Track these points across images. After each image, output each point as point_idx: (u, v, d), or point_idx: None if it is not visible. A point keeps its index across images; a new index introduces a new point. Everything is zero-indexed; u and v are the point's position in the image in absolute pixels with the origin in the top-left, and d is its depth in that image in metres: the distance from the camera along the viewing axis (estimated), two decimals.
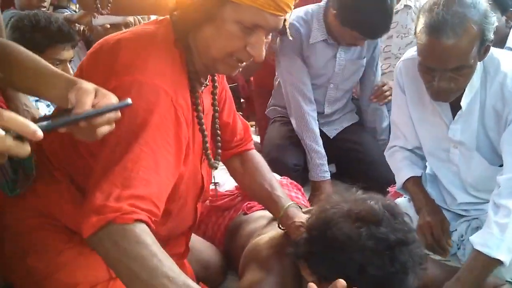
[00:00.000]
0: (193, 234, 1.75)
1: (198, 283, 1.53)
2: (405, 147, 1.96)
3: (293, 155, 2.52)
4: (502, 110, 1.61)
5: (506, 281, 1.65)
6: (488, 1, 1.58)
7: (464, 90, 1.63)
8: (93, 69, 1.19)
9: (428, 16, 1.50)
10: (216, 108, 1.39)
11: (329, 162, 2.54)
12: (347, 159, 2.63)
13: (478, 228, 1.80)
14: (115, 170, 1.01)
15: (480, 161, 1.73)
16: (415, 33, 1.58)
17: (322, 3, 2.46)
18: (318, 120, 2.58)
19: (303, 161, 2.55)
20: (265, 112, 2.90)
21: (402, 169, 1.93)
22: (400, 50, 2.76)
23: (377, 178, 2.38)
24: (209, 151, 1.34)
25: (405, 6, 2.73)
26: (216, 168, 1.41)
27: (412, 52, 1.83)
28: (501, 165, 1.65)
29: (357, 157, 2.58)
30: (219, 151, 1.42)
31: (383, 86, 2.61)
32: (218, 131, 1.41)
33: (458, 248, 1.88)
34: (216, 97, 1.37)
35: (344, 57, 2.51)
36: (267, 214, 1.72)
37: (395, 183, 2.00)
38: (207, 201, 1.92)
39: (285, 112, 2.67)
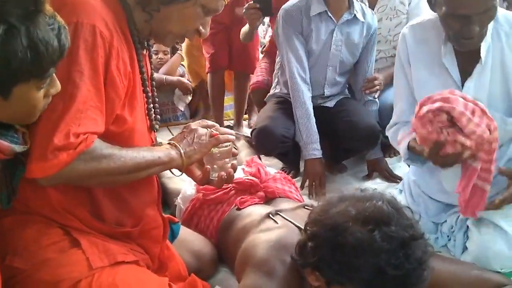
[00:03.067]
0: (183, 227, 1.78)
1: (189, 274, 1.55)
2: (404, 120, 1.94)
3: (282, 126, 2.54)
4: None
5: (497, 271, 1.67)
6: None
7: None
8: None
9: None
10: (152, 72, 1.46)
11: (325, 135, 2.59)
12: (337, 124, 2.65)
13: (467, 219, 1.82)
14: (70, 112, 1.12)
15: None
16: None
17: None
18: (317, 101, 2.66)
19: (292, 136, 2.57)
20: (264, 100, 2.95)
21: (404, 138, 1.90)
22: (390, 32, 2.82)
23: (364, 137, 2.51)
24: (152, 112, 1.41)
25: None
26: (156, 130, 1.46)
27: (415, 21, 1.92)
28: None
29: (344, 119, 2.61)
30: (158, 116, 1.46)
31: (374, 79, 2.68)
32: (155, 94, 1.45)
33: (449, 240, 1.89)
34: (152, 66, 1.47)
35: (340, 37, 2.57)
36: (260, 209, 1.73)
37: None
38: (200, 194, 1.94)
39: (285, 94, 2.73)
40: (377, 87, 2.67)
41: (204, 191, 1.91)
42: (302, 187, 2.52)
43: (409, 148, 1.82)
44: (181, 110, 3.96)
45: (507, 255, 1.71)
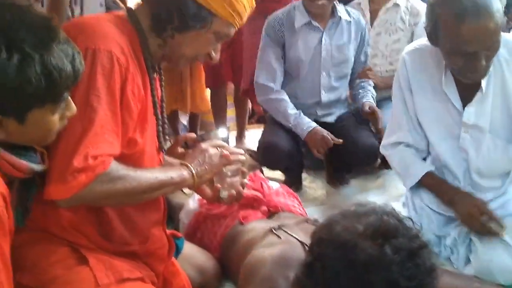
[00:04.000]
0: (187, 242, 1.78)
1: None
2: (406, 142, 1.96)
3: (288, 141, 2.58)
4: None
5: (500, 285, 1.67)
6: None
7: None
8: None
9: (455, 5, 1.58)
10: (163, 98, 1.49)
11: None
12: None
13: (470, 232, 1.82)
14: (89, 136, 1.15)
15: (492, 142, 1.78)
16: (433, 25, 1.65)
17: None
18: (317, 112, 2.70)
19: (297, 152, 2.61)
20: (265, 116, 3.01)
21: (414, 163, 1.94)
22: (387, 47, 2.85)
23: (362, 155, 2.56)
24: (161, 134, 1.45)
25: (395, 4, 2.81)
26: (164, 150, 1.49)
27: (415, 44, 1.91)
28: None
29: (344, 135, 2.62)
30: (167, 137, 1.51)
31: (369, 69, 2.74)
32: (165, 119, 1.49)
33: (452, 253, 1.89)
34: (162, 88, 1.50)
35: (329, 42, 2.63)
36: (263, 224, 1.73)
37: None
38: (203, 209, 1.94)
39: None
40: (372, 77, 2.73)
41: (207, 206, 1.92)
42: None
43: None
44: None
45: (510, 268, 1.71)
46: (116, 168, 1.19)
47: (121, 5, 2.54)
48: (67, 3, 1.98)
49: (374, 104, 2.69)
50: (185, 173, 1.33)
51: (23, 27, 0.96)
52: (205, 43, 1.37)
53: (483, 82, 1.71)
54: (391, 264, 1.07)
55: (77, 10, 1.99)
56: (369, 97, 2.73)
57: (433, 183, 1.92)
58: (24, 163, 1.09)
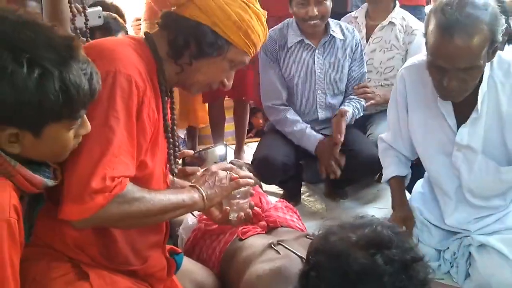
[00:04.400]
0: (186, 257, 1.77)
1: None
2: (395, 148, 2.07)
3: (283, 154, 2.55)
4: None
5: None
6: (497, 3, 1.62)
7: (473, 90, 1.68)
8: None
9: (441, 17, 1.56)
10: (174, 121, 1.50)
11: None
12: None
13: (470, 245, 1.82)
14: (107, 157, 1.16)
15: (484, 164, 1.76)
16: (425, 33, 1.65)
17: None
18: (314, 128, 2.67)
19: (293, 164, 2.59)
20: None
21: (390, 165, 2.09)
22: (381, 64, 2.85)
23: (365, 167, 2.55)
24: (172, 158, 1.47)
25: (390, 22, 2.82)
26: (175, 173, 1.51)
27: (414, 60, 1.91)
28: (510, 164, 1.72)
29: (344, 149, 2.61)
30: (178, 160, 1.53)
31: (364, 86, 2.73)
32: (176, 142, 1.51)
33: (451, 266, 1.89)
34: (174, 111, 1.51)
35: (322, 59, 2.63)
36: (262, 239, 1.73)
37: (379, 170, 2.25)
38: (202, 224, 1.94)
39: None
40: (369, 94, 2.71)
41: (205, 221, 1.92)
42: (322, 177, 2.61)
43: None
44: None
45: (509, 282, 1.70)
46: (132, 189, 1.21)
47: (120, 20, 2.56)
48: (68, 18, 2.00)
49: (348, 111, 2.62)
50: (196, 195, 1.35)
51: (45, 45, 1.00)
52: (220, 71, 1.41)
53: (479, 101, 1.70)
54: (384, 274, 1.08)
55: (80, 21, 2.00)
56: (348, 106, 2.68)
57: (394, 187, 2.08)
58: (38, 178, 1.11)
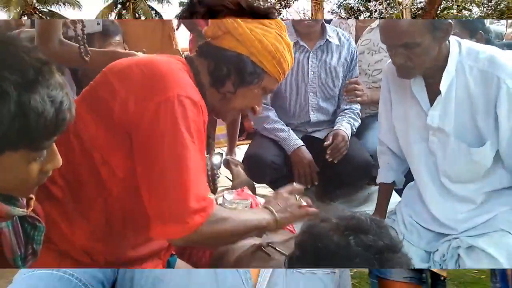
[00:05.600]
0: (178, 260, 1.77)
1: None
2: (390, 148, 2.12)
3: (272, 152, 2.58)
4: (487, 94, 1.72)
5: None
6: (454, 30, 1.75)
7: (436, 73, 1.76)
8: (118, 93, 1.30)
9: None
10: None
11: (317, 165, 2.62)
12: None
13: (459, 247, 1.83)
14: (191, 176, 1.23)
15: (457, 146, 1.80)
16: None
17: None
18: (306, 130, 2.70)
19: (283, 164, 2.60)
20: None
21: (381, 170, 2.19)
22: (369, 67, 2.88)
23: (358, 171, 2.56)
24: (211, 177, 1.58)
25: (378, 25, 2.83)
26: (216, 192, 1.61)
27: None
28: (480, 146, 1.76)
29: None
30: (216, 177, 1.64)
31: (355, 82, 2.75)
32: (213, 165, 1.63)
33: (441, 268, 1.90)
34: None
35: (316, 62, 2.64)
36: (251, 241, 1.73)
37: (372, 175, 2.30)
38: None
39: None
40: (358, 92, 2.72)
41: None
42: (295, 181, 2.53)
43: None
44: None
45: None
46: (219, 208, 1.29)
47: (116, 22, 2.57)
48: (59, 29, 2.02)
49: (342, 133, 2.62)
50: (268, 217, 1.43)
51: (12, 66, 0.86)
52: (254, 98, 1.50)
53: (442, 85, 1.75)
54: (355, 255, 1.12)
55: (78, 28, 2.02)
56: (342, 124, 2.68)
57: (379, 192, 2.20)
58: (4, 206, 1.01)
